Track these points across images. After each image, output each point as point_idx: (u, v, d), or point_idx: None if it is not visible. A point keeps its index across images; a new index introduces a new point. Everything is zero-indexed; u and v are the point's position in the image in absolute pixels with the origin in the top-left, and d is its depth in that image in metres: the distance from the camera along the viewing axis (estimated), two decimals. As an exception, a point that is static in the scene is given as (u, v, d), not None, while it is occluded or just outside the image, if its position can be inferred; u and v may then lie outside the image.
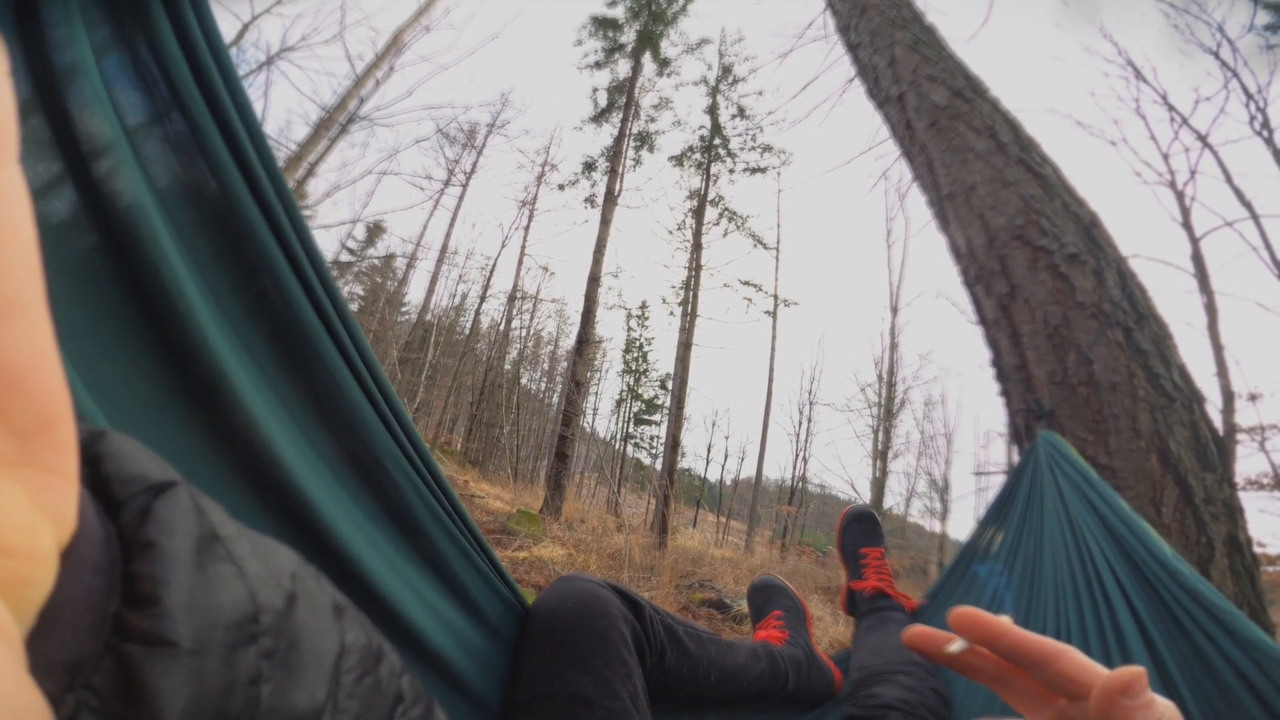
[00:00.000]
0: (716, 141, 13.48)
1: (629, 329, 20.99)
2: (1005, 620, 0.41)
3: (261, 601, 0.28)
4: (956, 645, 0.43)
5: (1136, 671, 0.36)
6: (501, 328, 18.94)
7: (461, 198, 16.49)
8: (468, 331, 18.78)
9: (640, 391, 21.26)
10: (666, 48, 13.72)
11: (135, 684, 0.22)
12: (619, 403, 22.93)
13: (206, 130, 0.66)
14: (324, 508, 0.65)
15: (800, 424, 19.63)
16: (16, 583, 0.17)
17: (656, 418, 21.13)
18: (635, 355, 21.09)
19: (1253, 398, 9.94)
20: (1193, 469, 1.61)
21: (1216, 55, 11.12)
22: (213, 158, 0.66)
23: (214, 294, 0.63)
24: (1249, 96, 10.70)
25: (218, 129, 0.67)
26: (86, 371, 0.51)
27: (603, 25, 13.87)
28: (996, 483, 1.74)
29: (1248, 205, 10.27)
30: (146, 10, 0.63)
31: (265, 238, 0.69)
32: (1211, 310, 10.04)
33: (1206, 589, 1.16)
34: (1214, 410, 9.18)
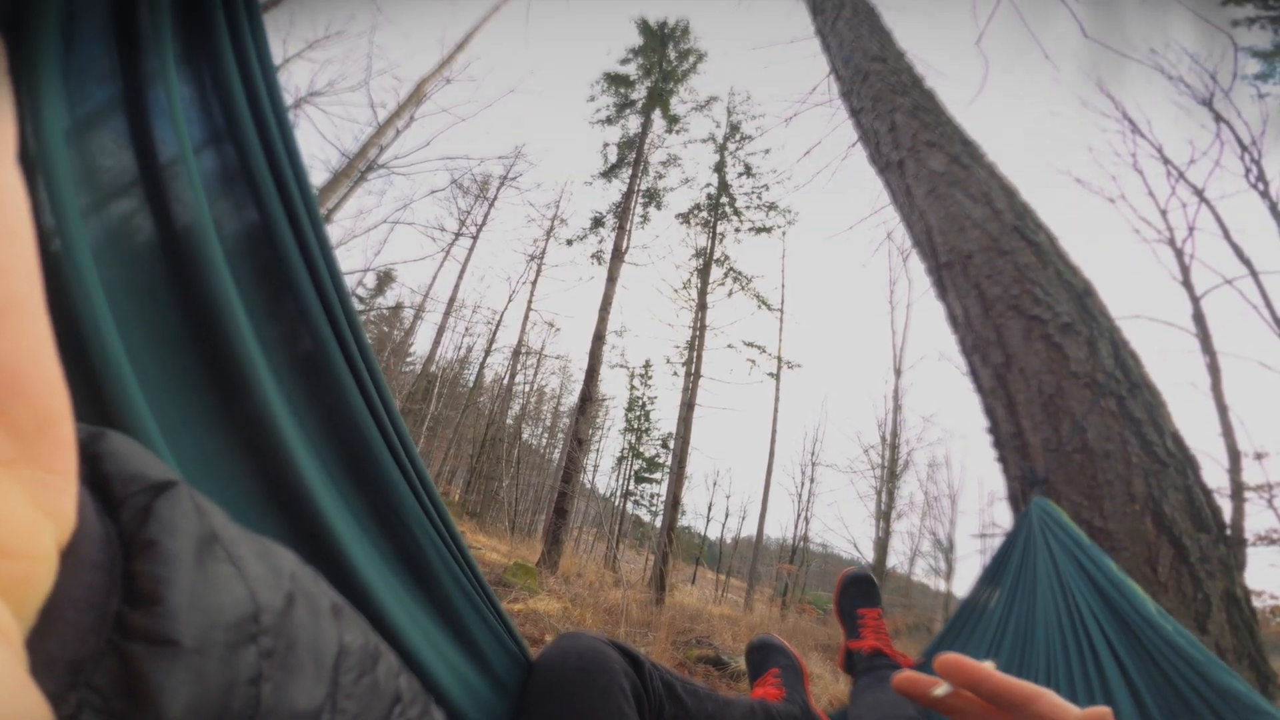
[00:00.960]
0: (723, 200, 13.69)
1: (632, 388, 20.97)
2: (988, 665, 0.44)
3: (261, 601, 0.29)
4: (942, 689, 0.46)
5: (1103, 711, 0.40)
6: (505, 382, 19.01)
7: (471, 250, 16.68)
8: (471, 385, 18.84)
9: (642, 450, 21.14)
10: (676, 105, 14.08)
11: (137, 682, 0.22)
12: (620, 460, 22.79)
13: (256, 164, 0.70)
14: (352, 551, 0.68)
15: (802, 484, 19.50)
16: (17, 582, 0.17)
17: (657, 476, 20.97)
18: (638, 414, 21.03)
19: (1259, 456, 9.91)
20: (1187, 530, 1.64)
21: (1210, 106, 11.25)
22: (258, 190, 0.70)
23: (261, 342, 0.66)
24: (1243, 148, 10.83)
25: (266, 164, 0.71)
26: (148, 389, 0.53)
27: (615, 81, 14.25)
28: (995, 544, 1.77)
29: (1247, 262, 10.33)
30: (212, 34, 0.68)
31: (307, 287, 0.73)
32: (1214, 370, 10.03)
33: (1186, 642, 1.25)
34: (1220, 469, 9.13)
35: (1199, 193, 11.32)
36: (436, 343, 16.90)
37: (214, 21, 0.69)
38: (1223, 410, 9.71)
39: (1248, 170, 10.70)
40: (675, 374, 14.11)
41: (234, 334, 0.62)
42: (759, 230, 13.70)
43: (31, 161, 0.49)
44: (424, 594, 0.85)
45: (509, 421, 19.47)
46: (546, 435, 25.91)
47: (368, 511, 0.79)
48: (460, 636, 0.90)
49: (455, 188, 16.04)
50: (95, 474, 0.25)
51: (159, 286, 0.59)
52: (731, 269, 13.48)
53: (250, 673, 0.27)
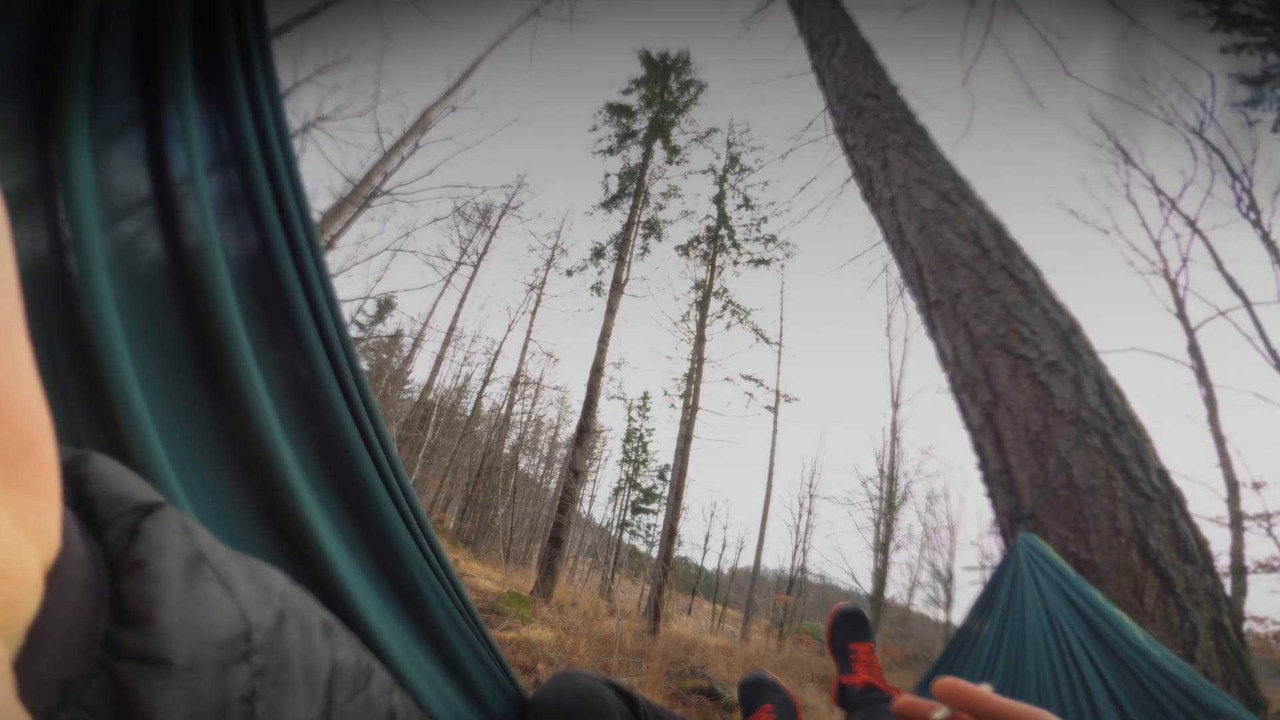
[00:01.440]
0: (722, 231, 13.78)
1: (630, 419, 20.91)
2: (985, 689, 0.45)
3: (252, 620, 0.29)
4: (941, 713, 0.47)
5: None
6: (503, 412, 18.97)
7: (472, 279, 16.69)
8: (469, 414, 18.79)
9: (639, 481, 21.03)
10: (677, 136, 14.19)
11: (129, 702, 0.22)
12: (617, 491, 22.68)
13: (260, 190, 0.72)
14: (345, 577, 0.70)
15: (800, 516, 19.42)
16: (2, 604, 0.17)
17: (654, 507, 20.84)
18: (635, 445, 20.95)
19: (1256, 486, 9.89)
20: (1173, 562, 1.67)
21: (1200, 135, 11.27)
22: (261, 216, 0.72)
23: (261, 369, 0.68)
24: (1234, 177, 10.83)
25: (270, 190, 0.73)
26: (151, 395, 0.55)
27: (617, 112, 14.40)
28: (986, 576, 1.79)
29: (1240, 293, 10.30)
30: (224, 59, 0.71)
31: (305, 316, 0.75)
32: (1211, 403, 10.00)
33: (1174, 666, 1.29)
34: (1219, 499, 9.12)
35: (1191, 223, 11.35)
36: (435, 371, 16.88)
37: (226, 46, 0.72)
38: (1220, 441, 9.70)
39: (1239, 199, 10.74)
40: (673, 406, 14.14)
41: (236, 359, 0.64)
42: (758, 263, 13.78)
43: (53, 172, 0.52)
44: (415, 624, 0.86)
45: (506, 451, 19.42)
46: (543, 465, 25.87)
47: (361, 539, 0.80)
48: (452, 667, 0.90)
49: (458, 215, 16.15)
50: (80, 496, 0.26)
51: (166, 307, 0.61)
52: (730, 302, 13.54)
53: (243, 691, 0.27)
